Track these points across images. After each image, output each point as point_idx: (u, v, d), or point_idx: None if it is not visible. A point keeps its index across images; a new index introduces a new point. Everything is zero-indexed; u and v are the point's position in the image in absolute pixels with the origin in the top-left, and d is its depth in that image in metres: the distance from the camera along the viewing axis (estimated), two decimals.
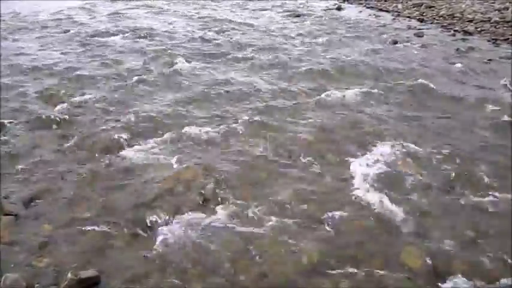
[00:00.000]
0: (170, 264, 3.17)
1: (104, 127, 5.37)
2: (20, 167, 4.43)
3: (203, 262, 3.19)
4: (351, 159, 4.64)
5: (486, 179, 4.23)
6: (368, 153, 4.75)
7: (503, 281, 3.03)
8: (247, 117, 5.62)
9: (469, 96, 6.55)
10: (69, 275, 2.94)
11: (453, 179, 4.26)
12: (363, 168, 4.41)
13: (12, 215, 3.63)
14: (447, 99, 6.46)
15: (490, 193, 4.00)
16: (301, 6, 17.02)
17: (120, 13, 14.40)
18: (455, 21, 12.86)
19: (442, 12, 13.97)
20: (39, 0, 17.58)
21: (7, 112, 5.77)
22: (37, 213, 3.71)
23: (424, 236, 3.47)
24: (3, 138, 5.04)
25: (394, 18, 14.02)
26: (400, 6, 15.99)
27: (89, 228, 3.54)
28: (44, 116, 5.61)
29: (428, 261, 3.19)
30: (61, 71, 7.69)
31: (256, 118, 5.61)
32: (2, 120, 5.44)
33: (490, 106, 6.16)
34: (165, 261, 3.20)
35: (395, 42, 10.33)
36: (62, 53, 9.05)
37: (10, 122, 5.43)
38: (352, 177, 4.29)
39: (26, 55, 8.92)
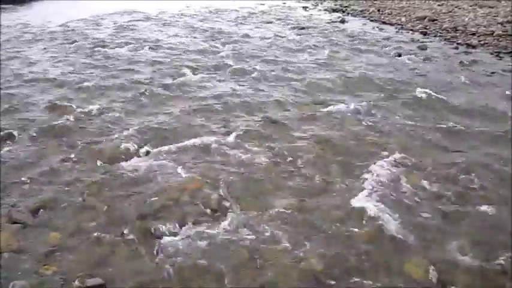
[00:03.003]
0: (175, 274, 3.20)
1: (110, 137, 5.43)
2: (27, 176, 4.47)
3: (208, 272, 3.22)
4: (355, 171, 4.68)
5: (489, 191, 4.26)
6: (372, 164, 4.78)
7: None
8: (252, 129, 5.68)
9: (472, 109, 6.59)
10: (76, 282, 2.98)
11: (456, 191, 4.28)
12: (367, 180, 4.45)
13: (20, 223, 3.68)
14: (450, 112, 6.50)
15: (492, 204, 4.02)
16: (305, 19, 17.18)
17: (126, 25, 14.57)
18: (458, 34, 12.97)
19: (445, 26, 14.09)
20: (50, 11, 17.83)
21: (15, 122, 5.85)
22: (44, 222, 3.76)
23: (428, 247, 3.49)
24: (11, 147, 5.11)
25: (397, 31, 14.14)
26: (403, 19, 16.13)
27: (95, 236, 3.57)
28: (51, 126, 5.69)
29: (432, 272, 3.21)
30: (68, 82, 7.79)
31: (261, 129, 5.68)
32: (10, 130, 5.50)
33: (493, 119, 6.20)
34: (169, 271, 3.22)
35: (398, 55, 10.41)
36: (70, 64, 9.17)
37: (18, 132, 5.50)
38: (356, 188, 4.32)
39: (35, 65, 9.05)
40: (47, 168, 4.66)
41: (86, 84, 7.61)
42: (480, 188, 4.32)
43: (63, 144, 5.27)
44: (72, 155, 4.96)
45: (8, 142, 5.25)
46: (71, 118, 6.00)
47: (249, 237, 3.59)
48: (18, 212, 3.80)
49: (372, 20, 16.77)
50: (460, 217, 3.89)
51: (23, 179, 4.42)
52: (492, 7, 16.72)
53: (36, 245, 3.45)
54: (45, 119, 6.02)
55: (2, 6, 19.35)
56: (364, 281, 3.13)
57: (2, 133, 5.43)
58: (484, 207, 3.99)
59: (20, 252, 3.36)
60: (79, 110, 6.34)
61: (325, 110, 6.49)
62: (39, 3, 22.28)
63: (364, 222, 3.78)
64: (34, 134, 5.49)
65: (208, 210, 3.94)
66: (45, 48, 10.86)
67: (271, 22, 16.07)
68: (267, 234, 3.63)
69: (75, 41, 11.64)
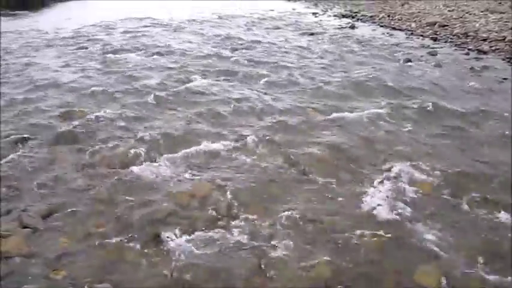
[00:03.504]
0: (183, 280, 3.19)
1: (120, 143, 5.45)
2: (38, 181, 4.50)
3: (216, 278, 3.20)
4: (365, 177, 4.65)
5: (502, 198, 4.20)
6: (382, 171, 4.75)
7: None
8: (261, 134, 5.67)
9: (483, 115, 6.53)
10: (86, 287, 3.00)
11: (469, 198, 4.23)
12: (376, 186, 4.42)
13: (30, 228, 3.70)
14: (461, 118, 6.45)
15: (506, 212, 3.97)
16: (315, 24, 17.19)
17: (136, 31, 14.69)
18: (469, 40, 12.89)
19: (455, 31, 14.01)
20: (62, 17, 18.05)
21: (27, 127, 5.90)
22: (54, 227, 3.77)
23: (439, 255, 3.44)
24: (23, 152, 5.14)
25: (407, 37, 14.10)
26: (413, 25, 16.07)
27: (104, 242, 3.58)
28: (62, 131, 5.73)
29: (444, 282, 3.16)
30: (80, 87, 7.85)
31: (270, 135, 5.66)
32: (21, 135, 5.55)
33: (505, 126, 6.13)
34: (178, 277, 3.21)
35: (408, 61, 10.37)
36: (81, 69, 9.25)
37: (30, 137, 5.54)
38: (366, 195, 4.28)
39: (47, 71, 9.14)
40: (57, 173, 4.69)
41: (97, 89, 7.66)
42: (494, 195, 4.26)
43: (73, 150, 5.29)
44: (83, 161, 4.98)
45: (19, 147, 5.29)
46: (82, 123, 6.04)
47: (258, 243, 3.57)
48: (29, 217, 3.81)
49: (381, 26, 16.75)
50: (472, 225, 3.84)
51: (34, 183, 4.45)
52: (503, 13, 16.60)
53: (46, 249, 3.46)
54: (56, 124, 6.07)
55: (16, 12, 19.65)
56: None
57: (13, 138, 5.48)
58: (497, 216, 3.94)
59: (30, 256, 3.37)
60: (90, 115, 6.36)
61: (335, 116, 6.47)
62: (51, 10, 22.60)
63: (374, 229, 3.74)
64: (45, 139, 5.53)
65: (217, 216, 3.93)
66: (57, 54, 10.98)
67: (280, 28, 16.12)
68: (277, 240, 3.61)
69: (87, 47, 11.76)
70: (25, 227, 3.70)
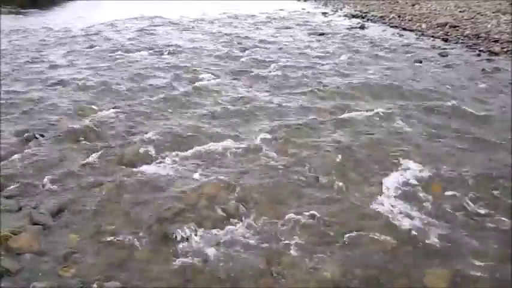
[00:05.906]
0: (192, 280, 3.20)
1: (129, 141, 5.48)
2: (48, 178, 4.53)
3: (225, 278, 3.21)
4: (374, 179, 4.62)
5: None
6: (392, 173, 4.71)
7: None
8: (270, 134, 5.67)
9: (494, 118, 6.46)
10: (95, 285, 3.01)
11: (479, 201, 4.19)
12: (386, 188, 4.39)
13: (40, 224, 3.73)
14: (472, 120, 6.38)
15: None
16: (325, 24, 17.13)
17: (146, 30, 14.75)
18: (480, 41, 12.74)
19: (467, 32, 13.87)
20: (72, 15, 18.19)
21: (37, 124, 5.95)
22: (64, 224, 3.80)
23: (449, 258, 3.42)
24: (33, 150, 5.19)
25: (418, 38, 13.98)
26: (424, 25, 15.94)
27: (113, 240, 3.60)
28: (71, 129, 5.77)
29: (454, 285, 3.13)
30: (89, 85, 7.89)
31: (280, 135, 5.66)
32: (32, 132, 5.59)
33: None
34: (186, 276, 3.22)
35: (419, 62, 10.28)
36: (91, 68, 9.31)
37: (40, 135, 5.59)
38: (376, 197, 4.26)
39: (57, 69, 9.22)
40: (67, 170, 4.72)
41: (106, 88, 7.71)
42: (504, 198, 4.22)
43: (83, 147, 5.33)
44: (93, 158, 5.01)
45: (29, 144, 5.34)
46: (92, 121, 6.08)
47: (266, 243, 3.57)
48: (39, 214, 3.85)
49: (392, 26, 16.63)
50: (484, 228, 3.81)
51: (44, 180, 4.48)
52: None
53: (56, 246, 3.49)
54: (66, 121, 6.10)
55: (27, 10, 19.84)
56: None
57: (24, 135, 5.52)
58: (506, 219, 3.89)
59: (40, 253, 3.40)
60: (99, 113, 6.42)
61: (345, 116, 6.44)
62: (62, 8, 22.77)
63: (383, 231, 3.72)
64: (55, 137, 5.58)
65: (225, 216, 3.92)
66: (67, 52, 11.05)
67: (290, 28, 16.07)
68: (285, 241, 3.61)
69: (97, 45, 11.83)
70: (35, 224, 3.73)
